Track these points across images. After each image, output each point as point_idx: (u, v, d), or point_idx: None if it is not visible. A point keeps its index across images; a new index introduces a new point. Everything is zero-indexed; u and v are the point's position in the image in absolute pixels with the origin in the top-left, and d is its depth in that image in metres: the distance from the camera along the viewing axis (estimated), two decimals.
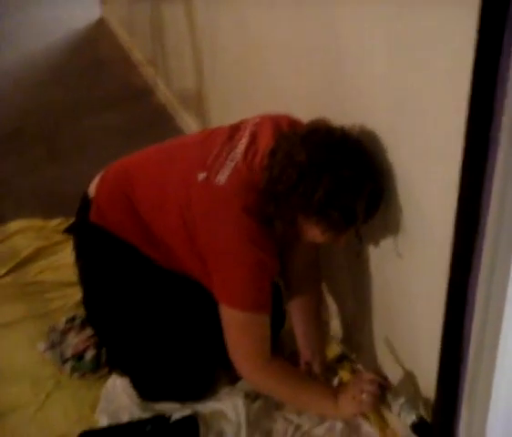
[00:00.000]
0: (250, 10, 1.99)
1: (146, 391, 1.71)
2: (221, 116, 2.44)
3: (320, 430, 1.63)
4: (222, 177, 1.45)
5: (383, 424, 1.63)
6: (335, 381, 1.73)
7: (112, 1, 4.44)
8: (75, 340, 1.85)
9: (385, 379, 1.52)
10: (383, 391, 1.49)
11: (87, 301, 1.80)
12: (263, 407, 1.69)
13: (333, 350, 1.86)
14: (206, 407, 1.67)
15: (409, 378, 1.54)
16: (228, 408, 1.66)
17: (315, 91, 1.62)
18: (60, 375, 1.80)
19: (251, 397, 1.70)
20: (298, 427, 1.64)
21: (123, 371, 1.75)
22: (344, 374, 1.74)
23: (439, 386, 1.24)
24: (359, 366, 1.74)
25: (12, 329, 1.95)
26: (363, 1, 1.32)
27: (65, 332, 1.88)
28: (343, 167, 1.31)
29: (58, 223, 2.35)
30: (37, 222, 2.37)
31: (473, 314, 1.10)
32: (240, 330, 1.49)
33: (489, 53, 0.92)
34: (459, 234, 1.05)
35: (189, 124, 2.94)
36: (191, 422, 1.61)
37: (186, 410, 1.65)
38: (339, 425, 1.62)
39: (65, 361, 1.82)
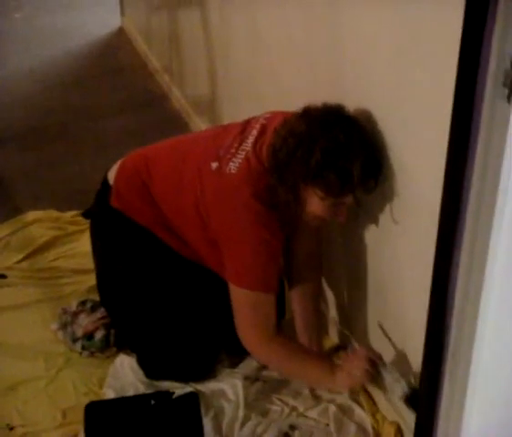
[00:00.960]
0: (261, 17, 2.11)
1: (151, 370, 1.81)
2: (234, 121, 2.55)
3: (314, 412, 1.72)
4: (233, 166, 1.56)
5: (374, 408, 1.72)
6: None
7: (132, 11, 4.59)
8: (85, 321, 1.95)
9: (379, 356, 1.60)
10: (376, 367, 1.57)
11: (101, 282, 1.91)
12: (261, 389, 1.78)
13: (331, 340, 1.96)
14: (207, 386, 1.77)
15: (401, 357, 1.62)
16: (227, 388, 1.76)
17: (326, 95, 1.73)
18: (71, 353, 1.90)
19: (250, 380, 1.80)
20: (293, 409, 1.74)
21: (131, 350, 1.86)
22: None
23: (425, 359, 1.33)
24: (355, 344, 1.82)
25: (27, 310, 2.06)
26: (367, 3, 1.45)
27: (76, 314, 1.99)
28: (339, 132, 1.42)
29: (73, 215, 2.46)
30: (53, 213, 2.48)
31: (456, 284, 1.19)
32: (248, 307, 1.59)
33: (472, 40, 1.04)
34: (446, 204, 1.16)
35: (203, 129, 3.06)
36: (193, 399, 1.70)
37: (188, 388, 1.74)
38: (332, 408, 1.71)
39: (75, 340, 1.92)
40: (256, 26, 2.18)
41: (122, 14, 4.83)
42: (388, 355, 1.63)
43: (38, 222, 2.44)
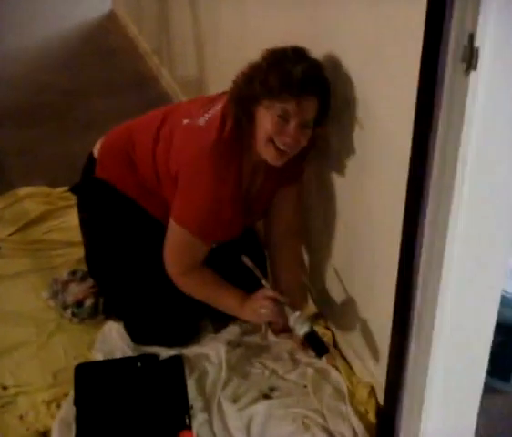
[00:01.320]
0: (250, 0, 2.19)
1: (137, 336, 1.89)
2: None
3: (293, 375, 1.81)
4: (203, 120, 1.68)
5: (349, 371, 1.82)
6: None
7: None
8: (75, 290, 2.03)
9: (285, 298, 1.71)
10: (281, 306, 1.70)
11: (88, 252, 2.00)
12: (243, 354, 1.87)
13: (310, 309, 2.05)
14: (191, 350, 1.85)
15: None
16: (211, 352, 1.85)
17: None
18: (61, 320, 1.99)
19: (233, 345, 1.89)
20: (273, 371, 1.82)
21: (118, 317, 1.94)
22: (318, 328, 1.92)
23: (395, 314, 1.44)
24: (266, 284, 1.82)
25: (19, 279, 2.14)
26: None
27: (67, 283, 2.07)
28: (289, 50, 1.56)
29: (63, 190, 2.54)
30: (45, 189, 2.56)
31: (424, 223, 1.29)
32: (181, 246, 1.73)
33: (435, 18, 1.15)
34: (415, 157, 1.27)
35: None
36: (177, 361, 1.79)
37: (172, 351, 1.83)
38: (310, 370, 1.80)
39: (66, 308, 2.00)
40: (245, 8, 2.25)
41: None
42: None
43: (30, 197, 2.52)
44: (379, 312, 1.67)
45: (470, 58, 1.12)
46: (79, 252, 2.16)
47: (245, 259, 1.74)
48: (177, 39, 3.32)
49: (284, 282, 1.89)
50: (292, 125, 1.56)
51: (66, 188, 2.53)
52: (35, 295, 2.07)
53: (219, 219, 1.68)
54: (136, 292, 1.88)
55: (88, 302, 2.00)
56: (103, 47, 4.08)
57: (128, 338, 1.89)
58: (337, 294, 1.89)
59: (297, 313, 1.69)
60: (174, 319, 1.88)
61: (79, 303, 2.00)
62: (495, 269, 1.31)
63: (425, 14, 1.17)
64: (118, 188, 1.83)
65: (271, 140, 1.58)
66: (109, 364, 1.80)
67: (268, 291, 1.72)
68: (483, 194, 1.21)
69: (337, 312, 1.92)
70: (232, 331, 1.92)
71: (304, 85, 1.53)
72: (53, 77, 3.58)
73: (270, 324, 1.93)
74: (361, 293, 1.78)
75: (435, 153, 1.22)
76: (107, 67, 3.76)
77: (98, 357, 1.84)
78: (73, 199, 2.36)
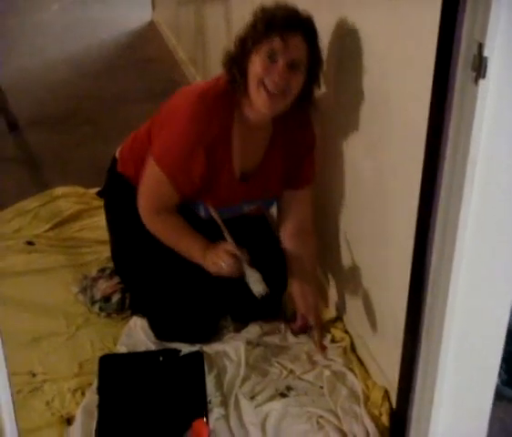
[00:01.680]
0: None
1: (161, 332, 1.95)
2: None
3: (309, 375, 1.85)
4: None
5: (365, 375, 1.85)
6: (328, 338, 1.96)
7: (162, 6, 4.78)
8: (104, 286, 2.11)
9: (245, 256, 1.74)
10: (240, 263, 1.73)
11: (114, 251, 2.08)
12: (262, 353, 1.91)
13: (330, 313, 2.09)
14: (211, 347, 1.91)
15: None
16: (230, 349, 1.90)
17: None
18: (89, 314, 2.07)
19: (252, 344, 1.94)
20: (291, 372, 1.87)
21: (143, 314, 2.01)
22: (337, 332, 1.96)
23: (407, 317, 1.48)
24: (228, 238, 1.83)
25: (52, 274, 2.24)
26: None
27: (95, 279, 2.15)
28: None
29: (97, 192, 2.64)
30: (79, 189, 2.67)
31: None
32: (151, 180, 1.79)
33: (447, 29, 1.20)
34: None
35: None
36: (198, 357, 1.85)
37: (193, 348, 1.89)
38: (326, 372, 1.84)
39: (94, 302, 2.09)
40: None
41: (153, 8, 5.02)
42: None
43: (65, 197, 2.63)
44: (395, 317, 1.70)
45: (479, 67, 1.15)
46: (109, 250, 2.24)
47: (211, 209, 1.80)
48: (212, 49, 3.41)
49: (298, 284, 1.89)
50: (280, 63, 1.62)
51: (99, 188, 2.63)
52: (65, 289, 2.16)
53: (190, 165, 1.72)
54: (159, 290, 1.94)
55: (115, 298, 2.07)
56: (141, 56, 4.21)
57: (151, 334, 1.96)
58: (355, 297, 1.93)
59: (256, 273, 1.73)
60: (195, 316, 1.94)
61: (107, 298, 2.08)
62: (506, 274, 1.33)
63: (439, 24, 1.22)
64: (136, 185, 1.88)
65: (261, 83, 1.63)
66: (132, 357, 1.86)
67: (229, 246, 1.75)
68: (493, 197, 1.24)
69: (354, 316, 1.96)
70: (252, 331, 1.97)
71: (288, 21, 1.62)
72: (91, 84, 3.72)
73: (289, 323, 1.97)
74: (376, 295, 1.81)
75: (445, 159, 1.26)
76: (145, 75, 3.88)
77: (123, 350, 1.91)
78: None
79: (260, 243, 1.98)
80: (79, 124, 3.24)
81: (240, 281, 1.77)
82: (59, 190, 2.66)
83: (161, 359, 1.84)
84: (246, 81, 1.67)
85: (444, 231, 1.32)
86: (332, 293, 2.09)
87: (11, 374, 1.22)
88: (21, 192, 2.66)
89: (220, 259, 1.74)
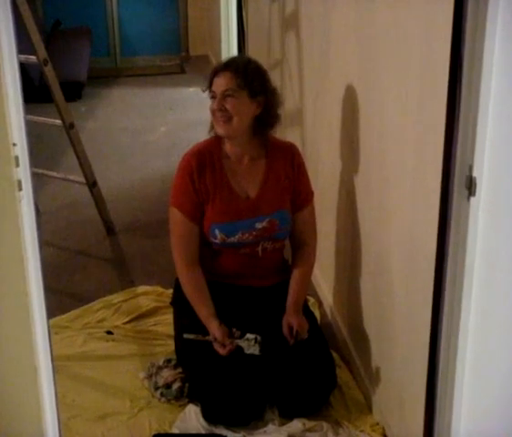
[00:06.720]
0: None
1: (209, 415, 2.13)
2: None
3: None
4: None
5: None
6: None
7: None
8: (166, 374, 2.33)
9: (235, 334, 2.08)
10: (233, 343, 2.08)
11: (176, 345, 2.33)
12: None
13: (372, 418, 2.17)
14: (254, 435, 2.05)
15: None
16: None
17: None
18: (152, 398, 2.29)
19: None
20: None
21: (197, 400, 2.20)
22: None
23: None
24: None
25: (124, 360, 2.49)
26: None
27: (161, 368, 2.38)
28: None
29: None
30: (159, 289, 2.96)
31: None
32: (175, 228, 2.29)
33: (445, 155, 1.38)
34: None
35: None
36: None
37: (239, 435, 2.04)
38: None
39: (157, 388, 2.30)
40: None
41: None
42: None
43: (146, 294, 2.92)
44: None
45: (470, 186, 1.32)
46: None
47: (185, 336, 2.14)
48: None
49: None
50: (217, 97, 2.14)
51: None
52: (133, 374, 2.40)
53: (189, 188, 2.20)
54: (210, 377, 2.14)
55: (175, 386, 2.28)
56: None
57: (203, 421, 2.13)
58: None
59: (249, 341, 2.06)
60: (240, 400, 2.10)
61: (168, 386, 2.29)
62: None
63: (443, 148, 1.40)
64: None
65: (214, 115, 2.16)
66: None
67: (217, 333, 2.09)
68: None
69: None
70: (295, 426, 2.09)
71: (220, 66, 2.17)
72: None
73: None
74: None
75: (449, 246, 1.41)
76: None
77: (175, 432, 2.10)
78: None
79: (308, 342, 2.14)
80: (166, 232, 3.58)
81: (285, 375, 1.98)
82: (142, 288, 2.97)
83: None
84: None
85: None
86: (376, 399, 2.19)
87: None
88: (111, 287, 2.99)
89: (216, 348, 2.08)
